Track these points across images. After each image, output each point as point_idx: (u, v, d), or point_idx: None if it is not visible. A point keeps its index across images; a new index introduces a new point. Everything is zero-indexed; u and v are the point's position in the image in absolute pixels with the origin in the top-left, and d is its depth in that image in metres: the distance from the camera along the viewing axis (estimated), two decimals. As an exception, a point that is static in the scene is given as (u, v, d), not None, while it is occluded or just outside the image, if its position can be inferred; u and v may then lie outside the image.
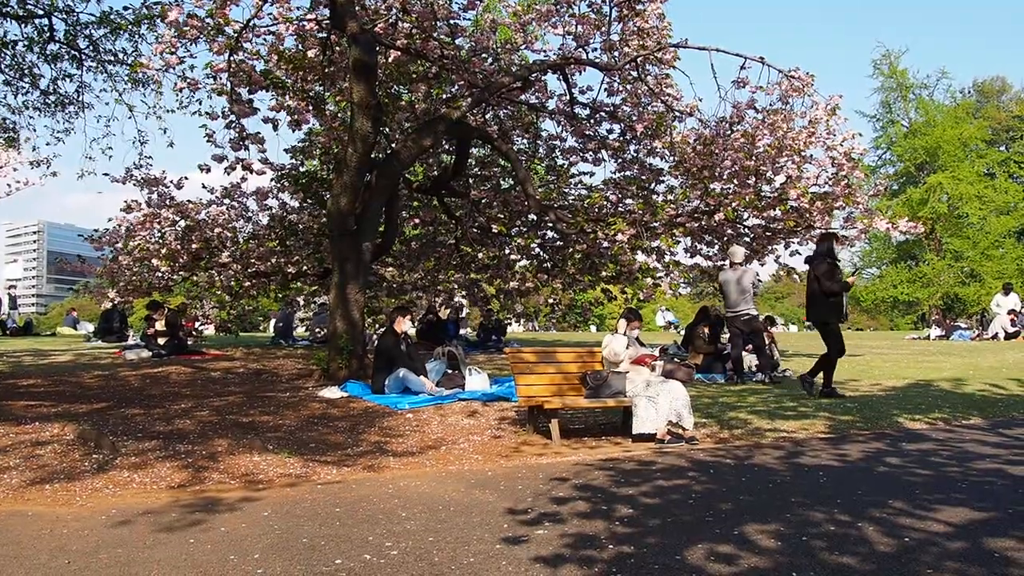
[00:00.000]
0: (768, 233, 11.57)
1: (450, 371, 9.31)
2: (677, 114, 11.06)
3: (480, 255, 13.99)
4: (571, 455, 6.20)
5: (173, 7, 8.89)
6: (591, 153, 12.41)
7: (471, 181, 13.84)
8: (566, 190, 13.44)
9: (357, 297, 9.53)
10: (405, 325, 9.09)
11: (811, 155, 10.59)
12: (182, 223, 11.99)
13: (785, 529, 3.79)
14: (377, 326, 15.20)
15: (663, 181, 12.35)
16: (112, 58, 12.76)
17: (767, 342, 10.94)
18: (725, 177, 10.79)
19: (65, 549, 3.70)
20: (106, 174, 12.58)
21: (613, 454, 6.19)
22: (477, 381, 8.95)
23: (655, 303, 39.01)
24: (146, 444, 6.09)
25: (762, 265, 11.41)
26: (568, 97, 11.37)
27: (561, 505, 4.42)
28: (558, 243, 13.13)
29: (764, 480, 5.03)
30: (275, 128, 10.94)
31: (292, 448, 6.17)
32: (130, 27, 11.97)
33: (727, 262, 10.90)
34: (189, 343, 13.66)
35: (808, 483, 4.87)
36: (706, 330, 11.58)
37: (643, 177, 12.14)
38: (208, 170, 11.34)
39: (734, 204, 10.62)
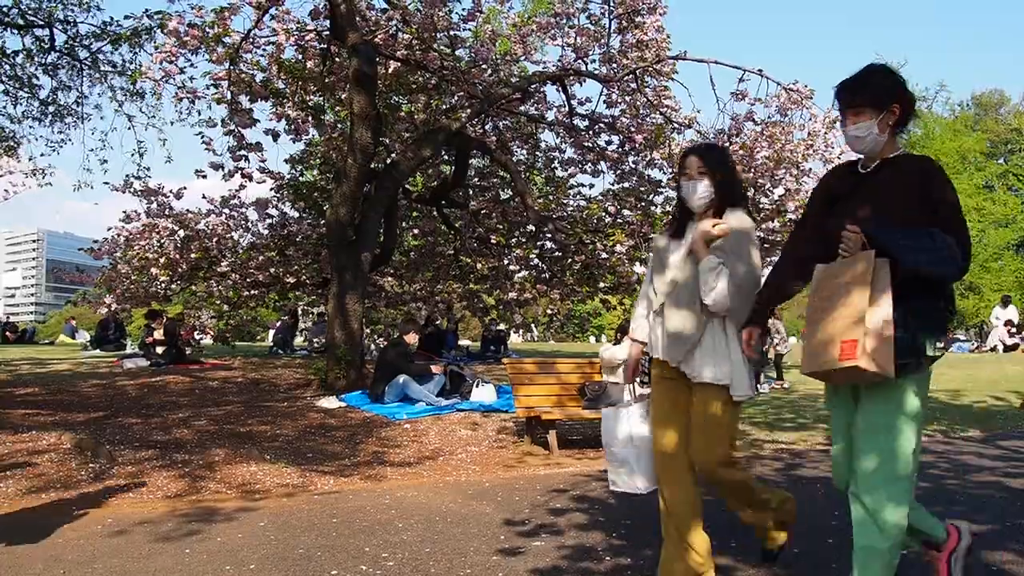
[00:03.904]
0: (766, 245, 11.59)
1: (457, 393, 9.19)
2: (676, 126, 11.10)
3: (479, 266, 13.99)
4: (569, 466, 6.19)
5: (173, 16, 8.92)
6: (590, 164, 12.44)
7: (470, 192, 13.86)
8: (565, 201, 13.46)
9: (355, 307, 9.53)
10: (414, 339, 9.21)
11: (810, 168, 10.63)
12: (181, 233, 12.00)
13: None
14: (376, 337, 15.21)
15: (662, 192, 12.36)
16: (111, 69, 12.79)
17: (771, 328, 11.06)
18: (724, 189, 10.80)
19: (60, 559, 3.68)
20: (106, 183, 12.53)
21: (611, 465, 6.17)
22: (484, 392, 8.94)
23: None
24: (143, 453, 6.07)
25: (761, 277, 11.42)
26: (567, 108, 11.41)
27: (559, 516, 4.41)
28: (557, 254, 13.14)
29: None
30: (275, 139, 10.97)
31: (289, 458, 6.16)
32: (129, 38, 12.00)
33: None
34: (188, 352, 13.64)
35: (807, 495, 4.86)
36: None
37: (642, 188, 12.16)
38: (204, 176, 11.36)
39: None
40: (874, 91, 2.56)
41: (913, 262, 2.36)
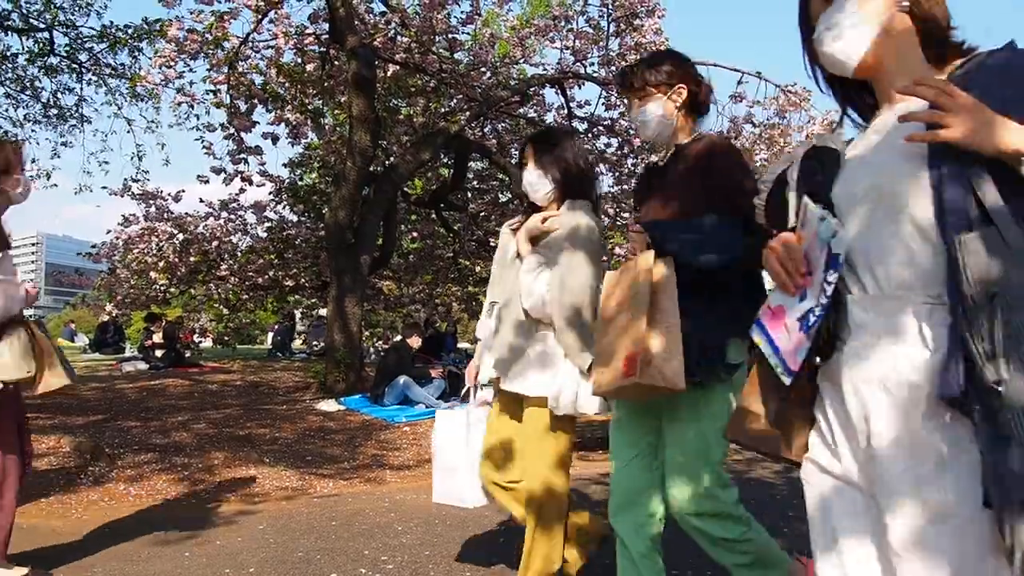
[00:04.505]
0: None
1: (456, 396, 9.23)
2: (675, 128, 11.11)
3: (478, 268, 14.01)
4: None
5: (173, 23, 8.94)
6: (589, 167, 12.45)
7: (469, 194, 13.88)
8: (564, 203, 13.48)
9: (354, 310, 9.54)
10: (416, 343, 9.29)
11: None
12: (180, 236, 12.02)
13: (783, 543, 3.76)
14: (375, 340, 15.22)
15: (661, 195, 12.38)
16: (112, 72, 12.82)
17: None
18: (722, 191, 10.83)
19: (59, 562, 3.68)
20: (104, 187, 12.63)
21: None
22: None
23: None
24: (143, 457, 6.07)
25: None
26: (566, 111, 11.42)
27: (558, 519, 4.40)
28: (556, 256, 13.14)
29: (763, 494, 5.02)
30: (275, 143, 10.99)
31: (289, 461, 6.16)
32: (130, 41, 12.03)
33: None
34: (187, 355, 13.65)
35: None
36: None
37: (641, 191, 12.19)
38: (207, 181, 11.37)
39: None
40: (655, 73, 2.36)
41: (681, 255, 2.10)
